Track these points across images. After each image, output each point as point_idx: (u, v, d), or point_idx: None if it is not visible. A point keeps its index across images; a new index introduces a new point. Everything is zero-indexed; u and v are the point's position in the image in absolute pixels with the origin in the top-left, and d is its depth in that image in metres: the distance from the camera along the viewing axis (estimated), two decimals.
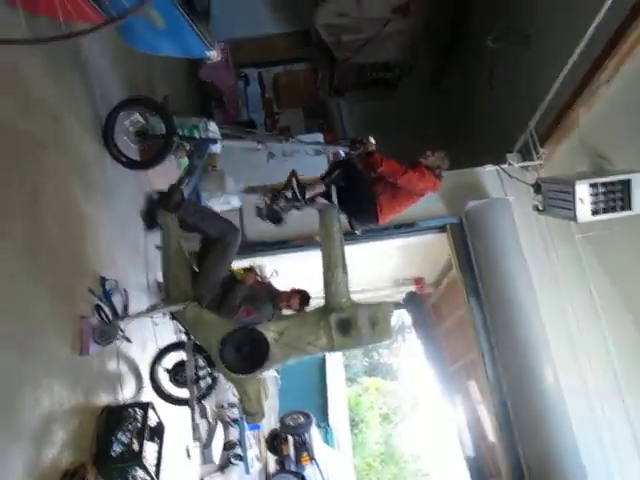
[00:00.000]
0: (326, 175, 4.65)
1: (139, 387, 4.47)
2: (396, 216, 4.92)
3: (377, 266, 9.22)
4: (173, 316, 4.07)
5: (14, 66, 2.97)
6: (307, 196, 4.44)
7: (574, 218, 4.66)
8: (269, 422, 10.08)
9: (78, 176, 3.75)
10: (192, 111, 7.53)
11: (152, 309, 4.06)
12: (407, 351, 26.50)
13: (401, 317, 10.85)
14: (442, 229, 6.67)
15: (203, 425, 5.54)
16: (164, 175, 4.78)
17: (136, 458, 3.42)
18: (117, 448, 3.41)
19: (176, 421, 4.64)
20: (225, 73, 8.22)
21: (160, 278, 4.60)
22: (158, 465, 3.72)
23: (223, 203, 5.33)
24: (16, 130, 2.92)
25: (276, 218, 4.56)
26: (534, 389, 5.57)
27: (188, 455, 5.40)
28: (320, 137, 6.41)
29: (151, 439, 3.77)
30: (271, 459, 9.67)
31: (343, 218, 4.40)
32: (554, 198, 4.97)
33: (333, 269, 3.88)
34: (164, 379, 4.76)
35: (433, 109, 9.87)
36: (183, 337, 4.53)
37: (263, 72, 9.83)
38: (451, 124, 9.40)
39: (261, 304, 4.60)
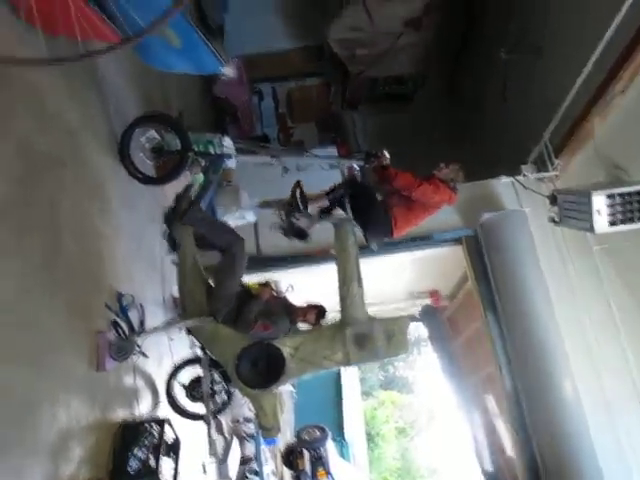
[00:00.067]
0: (330, 192, 4.67)
1: (155, 402, 4.48)
2: (412, 229, 4.90)
3: (392, 279, 9.18)
4: (189, 331, 4.08)
5: (34, 85, 3.02)
6: (309, 208, 4.46)
7: (591, 229, 4.62)
8: (285, 437, 10.03)
9: (95, 192, 3.79)
10: (207, 127, 7.58)
11: (168, 324, 4.08)
12: (423, 364, 26.31)
13: (417, 330, 10.77)
14: (457, 241, 6.63)
15: (219, 440, 5.52)
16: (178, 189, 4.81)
17: (152, 474, 3.42)
18: (134, 464, 3.41)
19: (192, 436, 4.64)
20: (239, 88, 8.28)
21: (176, 293, 4.61)
22: None
23: (238, 218, 5.34)
24: (34, 148, 2.96)
25: (301, 234, 4.57)
26: (553, 402, 5.50)
27: (204, 470, 5.39)
28: (334, 151, 6.41)
29: (167, 455, 3.77)
30: (287, 474, 9.60)
31: (358, 232, 4.39)
32: (570, 209, 4.92)
33: (349, 283, 3.88)
34: (180, 394, 4.76)
35: (446, 121, 9.86)
36: (199, 352, 4.54)
37: (277, 87, 9.89)
38: (464, 136, 9.38)
39: (277, 319, 4.59)
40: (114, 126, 4.23)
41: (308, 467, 8.91)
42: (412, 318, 4.00)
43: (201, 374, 4.53)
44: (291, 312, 4.95)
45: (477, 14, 8.60)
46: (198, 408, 4.75)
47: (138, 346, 3.85)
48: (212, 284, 4.22)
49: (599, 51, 4.79)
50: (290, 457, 9.24)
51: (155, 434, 3.71)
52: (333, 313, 4.42)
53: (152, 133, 4.28)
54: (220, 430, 5.59)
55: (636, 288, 5.84)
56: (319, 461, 8.95)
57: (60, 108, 3.37)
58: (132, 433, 3.56)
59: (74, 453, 2.93)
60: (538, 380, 5.60)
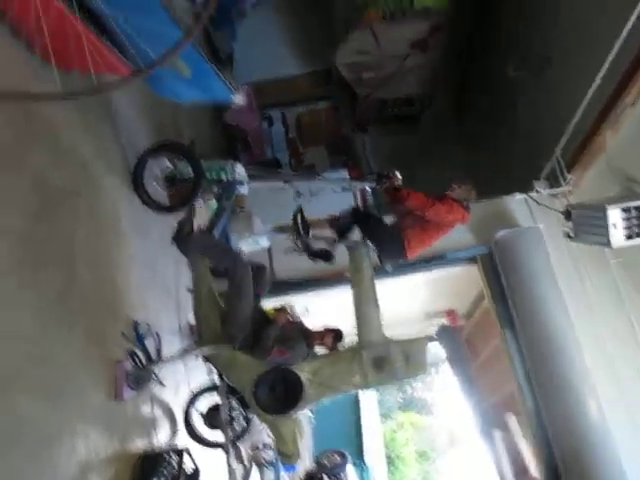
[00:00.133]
0: (334, 221, 4.70)
1: (174, 431, 4.45)
2: (426, 249, 4.89)
3: (408, 300, 9.14)
4: (206, 358, 4.07)
5: (49, 120, 3.07)
6: (311, 235, 4.49)
7: (608, 244, 4.58)
8: (304, 463, 9.91)
9: (109, 222, 3.82)
10: (218, 153, 7.65)
11: (185, 352, 4.07)
12: (441, 384, 26.00)
13: (434, 350, 10.73)
14: (472, 260, 6.60)
15: (238, 469, 5.47)
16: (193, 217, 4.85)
17: None
18: None
19: (211, 465, 4.60)
20: (249, 115, 8.36)
21: (192, 320, 4.61)
22: None
23: (252, 243, 5.35)
24: (49, 181, 3.00)
25: (326, 256, 4.59)
26: (577, 420, 5.40)
27: None
28: (345, 173, 6.44)
29: None
30: None
31: (373, 254, 4.39)
32: (585, 224, 4.89)
33: (364, 305, 3.88)
34: (199, 422, 4.74)
35: (455, 140, 9.88)
36: (216, 379, 4.52)
37: (286, 112, 9.96)
38: (474, 153, 9.38)
39: (294, 343, 4.58)
40: (127, 156, 4.28)
41: None
42: (429, 338, 3.97)
43: (219, 402, 4.51)
44: (308, 336, 4.94)
45: (484, 32, 8.65)
46: (217, 436, 4.72)
47: (155, 375, 3.85)
48: None
49: (607, 64, 4.79)
50: None
51: (174, 464, 3.69)
52: (350, 336, 4.40)
53: (165, 162, 4.32)
54: (239, 458, 5.54)
55: None
56: None
57: (74, 142, 3.42)
58: (151, 464, 3.54)
59: None
60: (560, 398, 5.51)
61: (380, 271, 4.75)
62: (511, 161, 7.78)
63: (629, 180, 5.15)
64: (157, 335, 4.16)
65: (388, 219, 4.88)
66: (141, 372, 3.66)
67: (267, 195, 5.36)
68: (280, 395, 3.58)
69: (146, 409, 3.91)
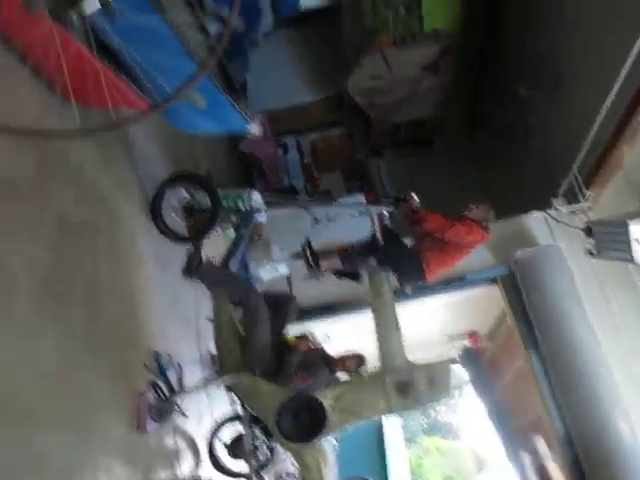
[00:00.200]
0: (346, 256, 4.72)
1: (197, 462, 4.42)
2: (447, 271, 4.86)
3: (429, 322, 9.06)
4: (228, 387, 4.05)
5: (69, 156, 3.13)
6: (321, 267, 4.52)
7: (631, 260, 4.52)
8: None
9: (129, 253, 3.86)
10: (235, 182, 7.72)
11: (207, 382, 4.06)
12: (466, 407, 25.57)
13: (457, 373, 10.59)
14: (492, 281, 6.54)
15: None
16: (212, 246, 4.87)
17: None
18: None
19: None
20: (264, 143, 8.43)
21: (213, 349, 4.61)
22: None
23: (270, 271, 5.36)
24: (71, 217, 3.04)
25: (354, 275, 4.60)
26: (608, 442, 5.26)
27: None
28: (361, 198, 6.45)
29: None
30: None
31: (393, 277, 4.38)
32: (607, 241, 4.84)
33: (386, 329, 3.86)
34: (222, 453, 4.70)
35: (469, 159, 9.85)
36: (239, 408, 4.50)
37: (300, 139, 10.04)
38: (489, 172, 9.34)
39: (316, 370, 4.56)
40: (146, 188, 4.33)
41: None
42: (452, 361, 3.94)
43: (242, 431, 4.48)
44: (330, 362, 4.91)
45: (494, 51, 8.68)
46: (241, 466, 4.68)
47: (178, 406, 3.83)
48: None
49: (621, 80, 4.77)
50: None
51: None
52: (372, 361, 4.36)
53: (182, 192, 4.37)
54: None
55: None
56: None
57: (94, 176, 3.47)
58: None
59: None
60: (590, 419, 5.38)
61: (400, 294, 4.73)
62: (524, 178, 7.73)
63: None
64: (179, 365, 4.15)
65: (406, 242, 4.87)
66: (163, 404, 3.65)
67: (284, 222, 5.38)
68: (303, 423, 3.56)
69: (169, 441, 3.90)
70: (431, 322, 9.16)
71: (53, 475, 2.43)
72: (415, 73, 8.42)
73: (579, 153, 5.78)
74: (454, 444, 25.45)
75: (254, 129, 4.01)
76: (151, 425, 3.47)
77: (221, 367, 4.05)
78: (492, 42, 8.48)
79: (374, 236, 4.68)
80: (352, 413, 3.67)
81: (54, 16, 1.74)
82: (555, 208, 6.06)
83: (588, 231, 5.13)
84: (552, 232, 6.24)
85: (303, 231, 4.89)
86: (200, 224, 4.31)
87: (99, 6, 1.74)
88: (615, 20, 5.15)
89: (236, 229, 4.35)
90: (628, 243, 4.45)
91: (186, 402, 3.98)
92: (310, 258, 4.49)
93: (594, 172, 5.79)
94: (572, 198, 6.12)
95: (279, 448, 4.73)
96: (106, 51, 2.55)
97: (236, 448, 4.63)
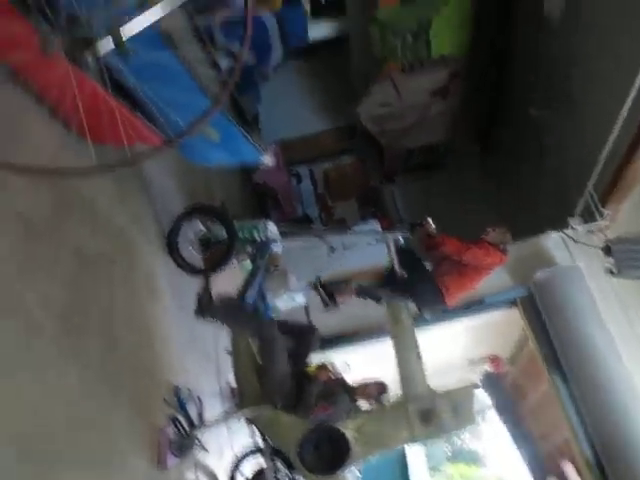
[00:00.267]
0: (361, 290, 4.72)
1: None
2: (466, 294, 4.82)
3: (449, 348, 8.95)
4: (249, 420, 4.02)
5: (86, 192, 3.17)
6: (337, 301, 4.52)
7: None
8: None
9: (146, 287, 3.87)
10: (249, 213, 7.76)
11: (227, 415, 4.03)
12: (490, 433, 25.08)
13: (480, 398, 10.42)
14: (512, 303, 6.47)
15: None
16: (228, 278, 4.88)
17: None
18: None
19: None
20: (277, 173, 8.49)
21: (232, 382, 4.58)
22: None
23: (288, 301, 5.35)
24: (88, 251, 3.06)
25: (375, 297, 4.59)
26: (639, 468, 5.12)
27: None
28: (377, 225, 6.45)
29: None
30: None
31: (411, 303, 4.35)
32: (628, 259, 4.78)
33: (406, 357, 3.82)
34: None
35: (481, 178, 9.85)
36: (260, 441, 4.45)
37: (313, 168, 10.12)
38: (499, 192, 9.32)
39: (337, 398, 4.51)
40: (161, 221, 4.37)
41: None
42: (474, 387, 3.88)
43: (264, 464, 4.42)
44: (350, 391, 4.85)
45: (503, 72, 8.71)
46: None
47: (198, 440, 3.80)
48: None
49: (633, 95, 4.75)
50: None
51: None
52: (394, 388, 4.31)
53: (198, 225, 4.39)
54: None
55: None
56: None
57: (110, 211, 3.51)
58: None
59: None
60: (620, 443, 5.24)
61: (419, 320, 4.69)
62: (538, 198, 7.69)
63: None
64: (199, 399, 4.13)
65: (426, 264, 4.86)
66: (184, 439, 3.62)
67: (300, 252, 5.38)
68: (326, 454, 3.51)
69: (190, 476, 3.85)
70: (451, 347, 9.06)
71: None
72: (424, 99, 8.47)
73: (594, 170, 5.73)
74: (479, 471, 24.93)
75: (267, 160, 4.04)
76: (172, 460, 3.44)
77: (241, 400, 4.03)
78: (501, 63, 8.52)
79: (391, 265, 4.67)
80: (375, 444, 3.62)
81: (70, 57, 1.77)
82: (572, 227, 5.99)
83: (607, 250, 5.08)
84: (570, 252, 6.17)
85: (319, 260, 4.89)
86: (216, 256, 4.32)
87: (113, 46, 1.77)
88: (625, 35, 5.15)
89: (252, 260, 4.36)
90: None
91: (207, 436, 3.94)
92: (324, 295, 4.49)
93: (610, 189, 5.74)
94: (589, 217, 6.06)
95: None
96: (120, 88, 2.59)
97: None
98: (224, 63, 3.79)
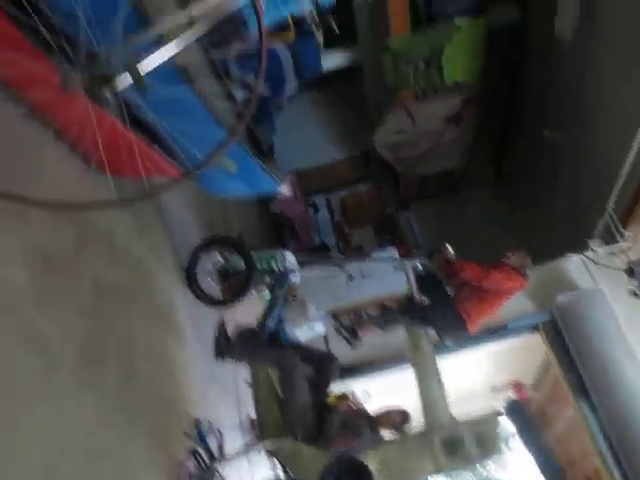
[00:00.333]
0: (380, 318, 4.70)
1: None
2: (488, 319, 4.77)
3: (470, 374, 8.82)
4: (269, 452, 3.97)
5: (104, 225, 3.20)
6: (359, 335, 4.51)
7: None
8: None
9: (165, 318, 3.88)
10: (267, 243, 7.78)
11: (247, 448, 3.98)
12: (516, 462, 24.44)
13: (504, 426, 10.23)
14: (534, 328, 6.38)
15: None
16: (247, 308, 4.87)
17: None
18: None
19: None
20: (294, 203, 8.53)
21: (252, 414, 4.54)
22: None
23: (307, 331, 5.31)
24: (107, 282, 3.08)
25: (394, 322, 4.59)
26: None
27: None
28: (394, 252, 6.44)
29: None
30: None
31: (431, 330, 4.31)
32: None
33: (428, 385, 3.77)
34: None
35: (499, 204, 9.81)
36: (281, 474, 4.38)
37: (330, 197, 10.17)
38: (519, 216, 9.25)
39: (359, 430, 4.43)
40: (179, 252, 4.39)
41: None
42: (498, 414, 3.81)
43: None
44: (372, 420, 4.77)
45: (516, 96, 8.72)
46: None
47: (219, 473, 3.75)
48: None
49: None
50: None
51: None
52: (416, 416, 4.23)
53: (216, 257, 4.41)
54: None
55: None
56: None
57: (128, 243, 3.53)
58: None
59: None
60: None
61: (440, 347, 4.64)
62: (554, 220, 7.62)
63: None
64: (219, 431, 4.09)
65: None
66: (204, 472, 3.57)
67: (319, 281, 5.36)
68: None
69: None
70: (473, 374, 8.92)
71: None
72: (438, 125, 8.52)
73: (613, 191, 5.67)
74: None
75: (284, 190, 4.06)
76: None
77: (261, 432, 3.98)
78: (513, 86, 8.55)
79: (411, 292, 4.64)
80: (399, 476, 3.57)
81: (89, 94, 1.80)
82: (592, 250, 5.92)
83: (630, 272, 5.01)
84: (592, 275, 6.09)
85: (338, 289, 4.87)
86: (235, 287, 4.33)
87: (131, 82, 1.80)
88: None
89: (271, 290, 4.36)
90: None
91: (227, 469, 3.89)
92: (346, 335, 4.52)
93: (630, 209, 5.66)
94: (609, 238, 5.97)
95: None
96: (138, 122, 2.63)
97: None
98: (239, 95, 3.85)
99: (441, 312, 4.53)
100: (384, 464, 3.49)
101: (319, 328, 5.49)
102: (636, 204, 5.52)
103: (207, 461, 3.69)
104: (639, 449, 5.22)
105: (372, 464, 3.46)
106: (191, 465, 3.51)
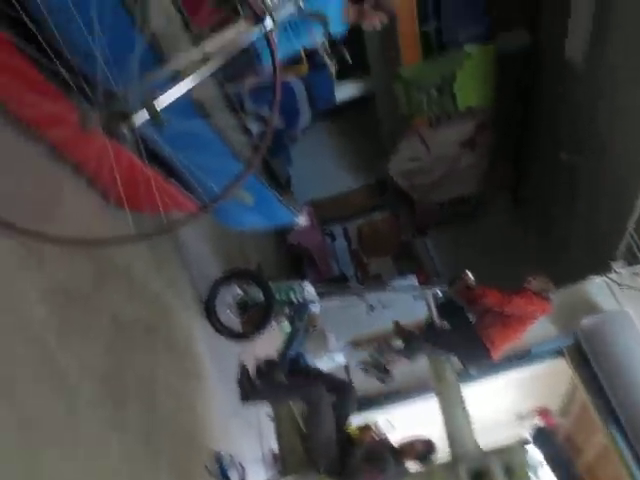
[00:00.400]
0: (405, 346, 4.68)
1: None
2: (512, 345, 4.69)
3: (495, 402, 8.66)
4: None
5: (122, 258, 3.21)
6: (390, 369, 4.51)
7: None
8: None
9: (184, 351, 3.87)
10: (285, 273, 7.78)
11: None
12: None
13: (532, 454, 9.96)
14: (558, 353, 6.26)
15: None
16: (267, 340, 4.85)
17: None
18: None
19: None
20: (311, 233, 8.53)
21: (275, 448, 4.48)
22: None
23: (328, 362, 5.27)
24: (126, 318, 3.08)
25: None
26: None
27: None
28: (414, 279, 6.40)
29: None
30: None
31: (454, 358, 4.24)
32: None
33: (453, 414, 3.69)
34: None
35: (516, 227, 9.73)
36: None
37: (347, 226, 10.17)
38: (537, 238, 9.17)
39: (384, 463, 4.34)
40: (198, 286, 4.39)
41: None
42: (525, 442, 3.73)
43: None
44: (396, 451, 4.68)
45: (531, 119, 8.72)
46: None
47: None
48: None
49: None
50: None
51: None
52: (441, 446, 4.14)
53: (235, 289, 4.41)
54: None
55: None
56: None
57: (147, 277, 3.54)
58: None
59: None
60: None
61: (464, 375, 4.56)
62: (570, 242, 7.54)
63: None
64: (241, 466, 4.03)
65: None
66: None
67: (338, 311, 5.34)
68: None
69: None
70: (497, 402, 8.76)
71: None
72: (453, 151, 8.53)
73: (633, 210, 5.60)
74: None
75: (302, 221, 4.07)
76: None
77: (284, 466, 3.92)
78: (527, 110, 8.55)
79: (432, 320, 4.60)
80: None
81: (107, 131, 1.82)
82: (615, 271, 5.83)
83: None
84: (616, 297, 5.99)
85: (358, 319, 4.84)
86: (255, 319, 4.32)
87: (148, 117, 1.82)
88: None
89: (291, 322, 4.34)
90: None
91: None
92: (377, 373, 4.52)
93: None
94: (632, 259, 5.89)
95: None
96: (155, 157, 2.65)
97: None
98: (254, 127, 3.88)
99: (464, 340, 4.47)
100: None
101: (340, 359, 5.44)
102: None
103: None
104: None
105: None
106: None
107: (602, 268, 5.95)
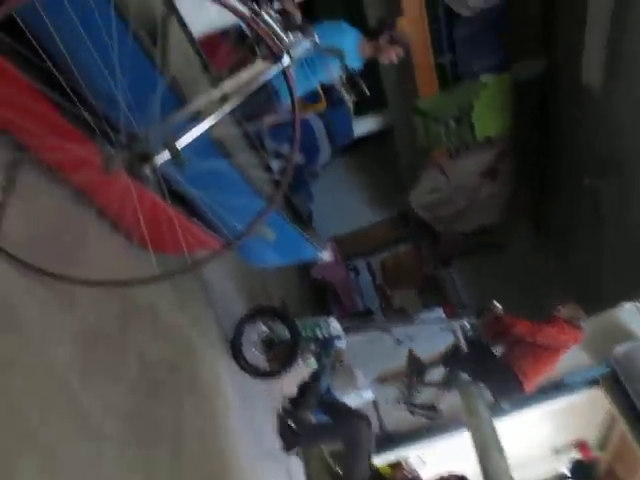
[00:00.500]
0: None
1: None
2: (545, 376, 4.57)
3: (529, 435, 8.42)
4: None
5: (146, 299, 3.22)
6: (436, 406, 4.47)
7: None
8: None
9: (211, 391, 3.84)
10: (309, 308, 7.75)
11: None
12: None
13: None
14: (593, 382, 6.09)
15: None
16: (294, 376, 4.80)
17: None
18: None
19: None
20: (335, 268, 8.52)
21: None
22: None
23: (356, 398, 5.18)
24: (151, 358, 3.07)
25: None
26: None
27: None
28: (440, 312, 6.31)
29: None
30: None
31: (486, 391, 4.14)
32: None
33: (487, 450, 3.59)
34: None
35: (541, 255, 9.59)
36: None
37: (371, 260, 10.13)
38: (563, 265, 9.01)
39: None
40: (222, 324, 4.38)
41: None
42: (563, 477, 3.60)
43: None
44: None
45: (552, 145, 8.66)
46: None
47: None
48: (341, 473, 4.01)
49: None
50: None
51: None
52: None
53: (260, 327, 4.40)
54: None
55: None
56: None
57: (171, 316, 3.54)
58: None
59: None
60: None
61: (496, 409, 4.45)
62: (596, 268, 7.39)
63: None
64: None
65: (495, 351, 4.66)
66: None
67: (365, 346, 5.26)
68: None
69: None
70: (531, 435, 8.51)
71: None
72: (474, 181, 8.48)
73: None
74: None
75: (326, 256, 4.05)
76: None
77: None
78: (546, 136, 8.50)
79: (460, 350, 4.52)
80: None
81: (129, 172, 1.85)
82: None
83: None
84: None
85: (385, 352, 4.77)
86: (281, 356, 4.29)
87: (169, 157, 1.84)
88: None
89: (317, 359, 4.31)
90: None
91: None
92: (424, 412, 4.47)
93: None
94: None
95: None
96: (177, 196, 2.67)
97: None
98: (274, 164, 3.91)
99: (496, 375, 4.36)
100: None
101: (368, 395, 5.35)
102: None
103: None
104: None
105: None
106: None
107: (634, 294, 5.81)
